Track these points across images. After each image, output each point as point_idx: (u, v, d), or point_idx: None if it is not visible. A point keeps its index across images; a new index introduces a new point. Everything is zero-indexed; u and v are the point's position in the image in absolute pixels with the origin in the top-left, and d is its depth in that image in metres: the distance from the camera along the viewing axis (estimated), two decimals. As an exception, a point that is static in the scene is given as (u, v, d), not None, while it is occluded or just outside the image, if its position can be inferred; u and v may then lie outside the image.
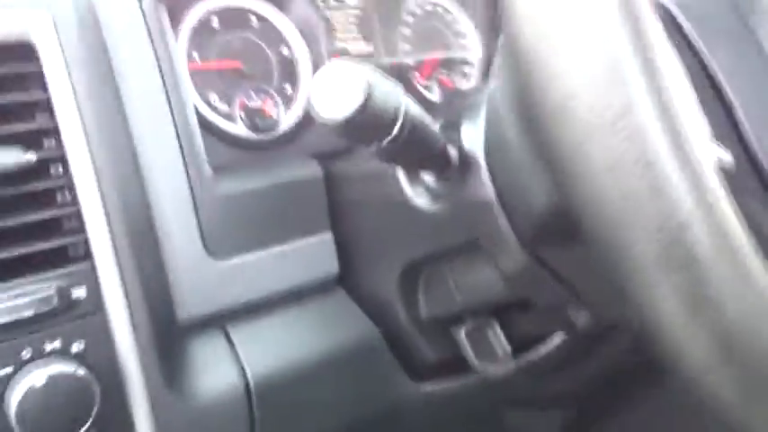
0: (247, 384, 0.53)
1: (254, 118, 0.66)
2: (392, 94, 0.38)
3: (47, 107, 0.45)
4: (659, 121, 0.24)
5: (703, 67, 0.38)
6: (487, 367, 0.53)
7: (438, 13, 0.86)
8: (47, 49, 0.45)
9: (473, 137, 0.44)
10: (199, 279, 0.53)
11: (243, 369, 0.53)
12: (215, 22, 0.67)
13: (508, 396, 0.67)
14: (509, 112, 0.37)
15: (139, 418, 0.48)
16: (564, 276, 0.42)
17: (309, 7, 0.73)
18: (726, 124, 0.37)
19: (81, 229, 0.46)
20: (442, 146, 0.44)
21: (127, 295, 0.47)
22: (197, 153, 0.53)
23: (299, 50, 0.73)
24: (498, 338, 0.53)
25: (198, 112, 0.62)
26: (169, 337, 0.51)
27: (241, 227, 0.55)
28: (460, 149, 0.44)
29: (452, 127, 0.46)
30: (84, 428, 0.44)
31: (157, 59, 0.52)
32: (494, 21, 0.89)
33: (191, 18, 0.65)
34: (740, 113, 0.37)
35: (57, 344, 0.45)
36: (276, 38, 0.71)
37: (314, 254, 0.58)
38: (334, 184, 0.58)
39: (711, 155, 0.29)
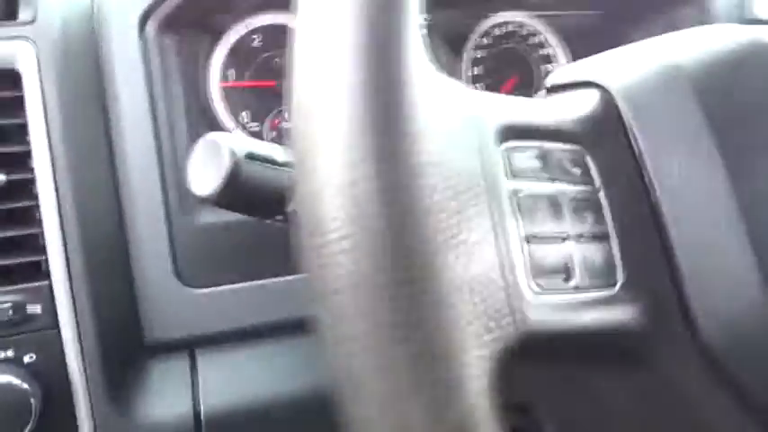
0: (198, 414, 0.53)
1: (285, 138, 0.66)
2: (272, 170, 0.35)
3: (25, 132, 0.48)
4: None
5: (640, 175, 0.31)
6: None
7: (522, 34, 0.79)
8: (29, 76, 0.48)
9: None
10: (168, 305, 0.54)
11: (197, 399, 0.54)
12: (256, 41, 0.68)
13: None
14: None
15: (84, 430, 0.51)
16: None
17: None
18: (655, 248, 0.30)
19: (42, 250, 0.49)
20: None
21: (77, 315, 0.49)
22: (179, 181, 0.54)
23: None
24: None
25: (223, 130, 0.63)
26: (129, 357, 0.53)
27: (218, 258, 0.55)
28: None
29: None
30: (22, 436, 0.48)
31: (150, 86, 0.53)
32: (586, 43, 0.81)
33: (229, 37, 0.66)
34: (673, 237, 0.30)
35: (9, 353, 0.48)
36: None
37: (295, 292, 0.57)
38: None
39: None
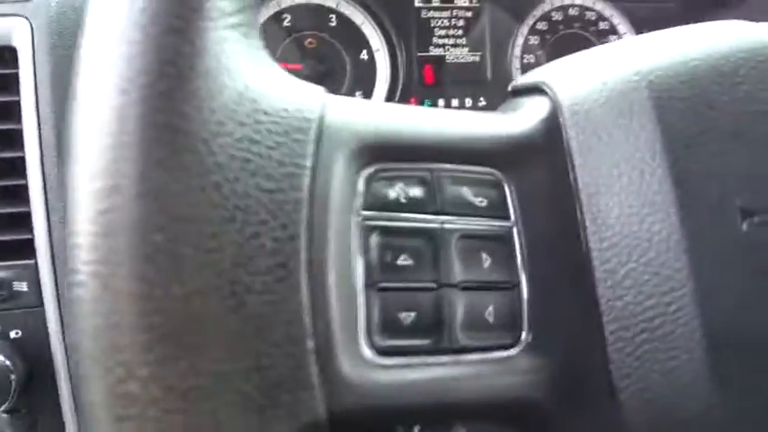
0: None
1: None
2: None
3: (18, 110, 0.48)
4: None
5: (572, 210, 0.26)
6: None
7: (587, 19, 0.71)
8: (24, 54, 0.48)
9: None
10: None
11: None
12: (287, 21, 0.65)
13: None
14: None
15: (65, 408, 0.51)
16: None
17: (404, 7, 0.67)
18: (577, 304, 0.25)
19: (29, 229, 0.49)
20: None
21: (59, 295, 0.49)
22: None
23: (380, 55, 0.67)
24: None
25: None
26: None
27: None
28: None
29: None
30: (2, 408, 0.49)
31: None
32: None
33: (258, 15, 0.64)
34: (601, 293, 0.24)
35: (-5, 326, 0.49)
36: (356, 39, 0.66)
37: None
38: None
39: None
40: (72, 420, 0.52)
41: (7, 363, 0.49)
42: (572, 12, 0.71)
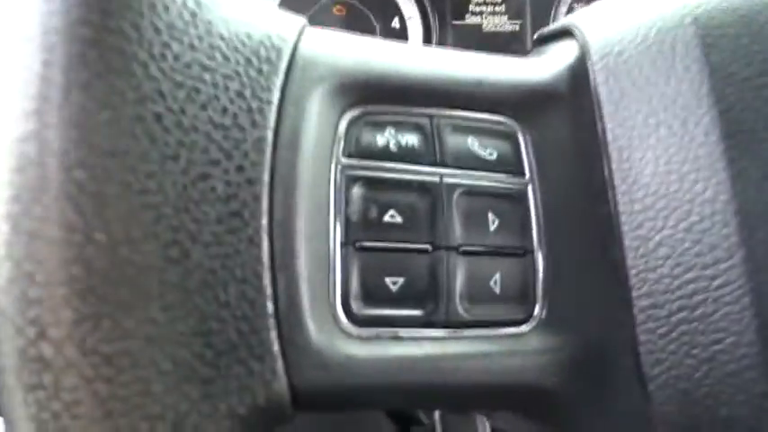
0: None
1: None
2: None
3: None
4: None
5: (599, 166, 0.22)
6: None
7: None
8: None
9: None
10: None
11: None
12: (314, -15, 0.62)
13: None
14: None
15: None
16: None
17: (440, -28, 0.63)
18: (600, 273, 0.21)
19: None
20: None
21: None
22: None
23: (413, 23, 0.63)
24: None
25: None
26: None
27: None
28: None
29: None
30: None
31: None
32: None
33: (283, -21, 0.61)
34: (631, 261, 0.21)
35: None
36: (386, 6, 0.63)
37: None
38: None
39: None
40: None
41: None
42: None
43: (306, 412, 0.18)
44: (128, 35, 0.16)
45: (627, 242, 0.20)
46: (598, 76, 0.22)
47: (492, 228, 0.20)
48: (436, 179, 0.20)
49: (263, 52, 0.18)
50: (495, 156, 0.21)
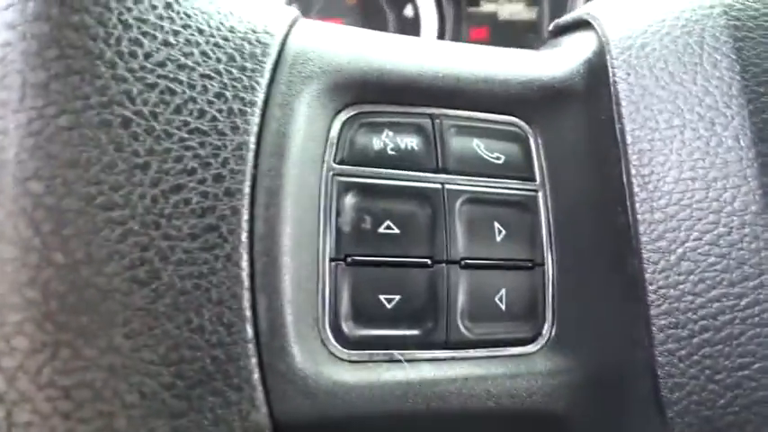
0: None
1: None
2: None
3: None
4: None
5: (616, 171, 0.20)
6: None
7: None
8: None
9: None
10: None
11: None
12: (325, -28, 0.60)
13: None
14: None
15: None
16: None
17: (454, -42, 0.61)
18: (616, 288, 0.20)
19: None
20: None
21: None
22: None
23: (426, 11, 0.61)
24: None
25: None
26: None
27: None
28: None
29: None
30: None
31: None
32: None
33: (294, -34, 0.59)
34: (650, 274, 0.19)
35: None
36: (400, -6, 0.61)
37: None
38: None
39: None
40: None
41: None
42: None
43: None
44: (92, 31, 0.14)
45: (645, 255, 0.18)
46: (617, 71, 0.20)
47: (498, 238, 0.19)
48: (437, 186, 0.18)
49: (247, 48, 0.17)
50: (502, 160, 0.19)
